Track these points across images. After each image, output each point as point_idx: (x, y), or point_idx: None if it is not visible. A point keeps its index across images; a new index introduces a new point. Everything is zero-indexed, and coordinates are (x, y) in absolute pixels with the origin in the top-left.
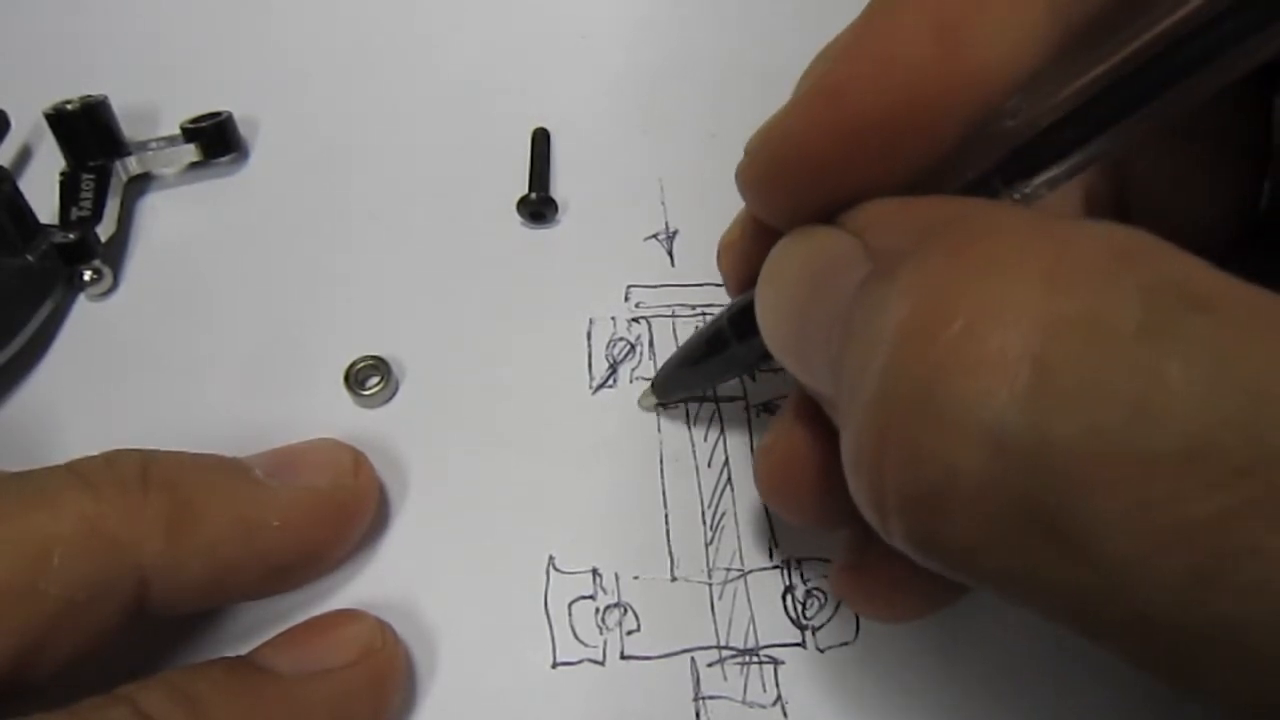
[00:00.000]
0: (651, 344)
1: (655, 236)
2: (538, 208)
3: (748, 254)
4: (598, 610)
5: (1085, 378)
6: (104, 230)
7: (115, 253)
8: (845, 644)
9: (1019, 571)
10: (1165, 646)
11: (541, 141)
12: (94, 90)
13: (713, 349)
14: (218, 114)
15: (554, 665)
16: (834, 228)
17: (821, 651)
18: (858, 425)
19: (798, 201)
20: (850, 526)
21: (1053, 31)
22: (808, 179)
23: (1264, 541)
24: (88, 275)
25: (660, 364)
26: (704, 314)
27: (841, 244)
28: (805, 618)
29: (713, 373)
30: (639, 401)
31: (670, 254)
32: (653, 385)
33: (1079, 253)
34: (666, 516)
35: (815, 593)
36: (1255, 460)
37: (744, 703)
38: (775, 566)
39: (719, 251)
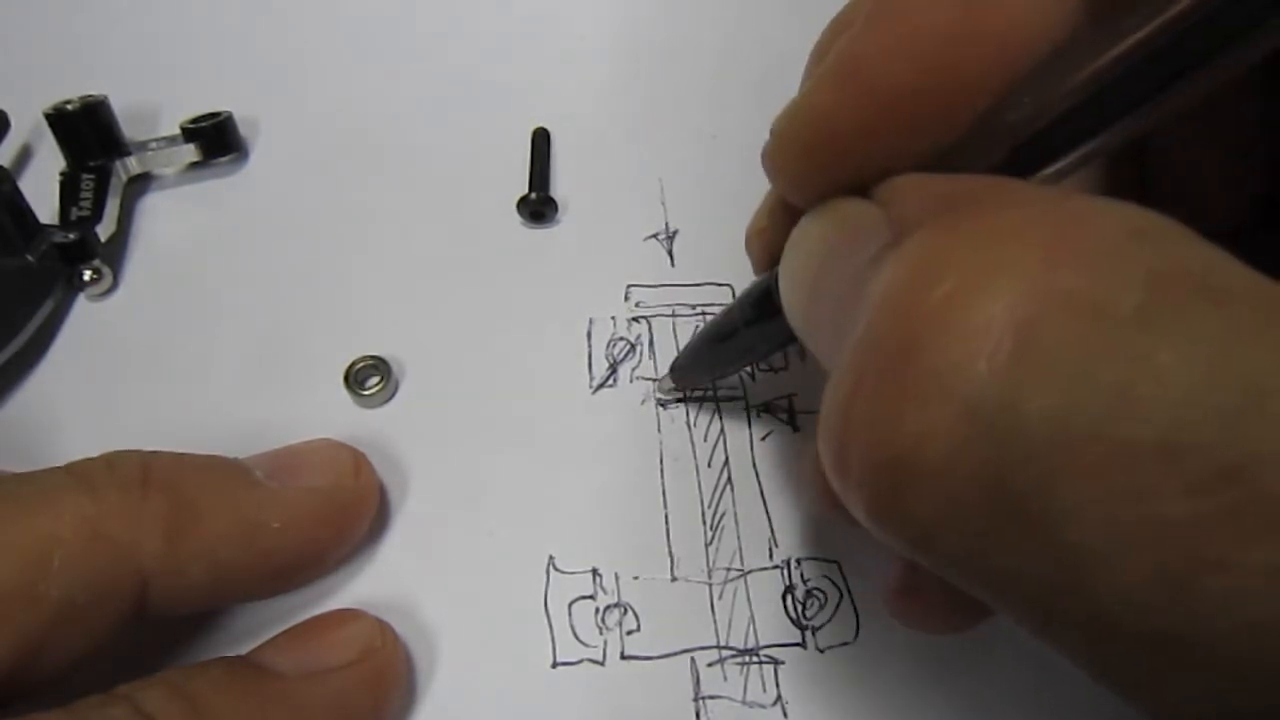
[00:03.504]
0: (651, 344)
1: (655, 236)
2: (538, 208)
3: (776, 241)
4: (598, 610)
5: (1069, 355)
6: (104, 230)
7: (115, 253)
8: (845, 644)
9: (978, 556)
10: (1122, 653)
11: (541, 141)
12: (94, 90)
13: (734, 332)
14: (218, 114)
15: (554, 665)
16: (859, 199)
17: (821, 651)
18: (832, 386)
19: (825, 180)
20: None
21: None
22: (836, 156)
23: (1236, 554)
24: (88, 275)
25: (660, 364)
26: (704, 313)
27: (864, 213)
28: (805, 618)
29: (734, 356)
30: (657, 387)
31: (670, 254)
32: (671, 370)
33: (1089, 230)
34: (666, 516)
35: (815, 593)
36: (1239, 463)
37: (744, 703)
38: (775, 566)
39: (747, 239)
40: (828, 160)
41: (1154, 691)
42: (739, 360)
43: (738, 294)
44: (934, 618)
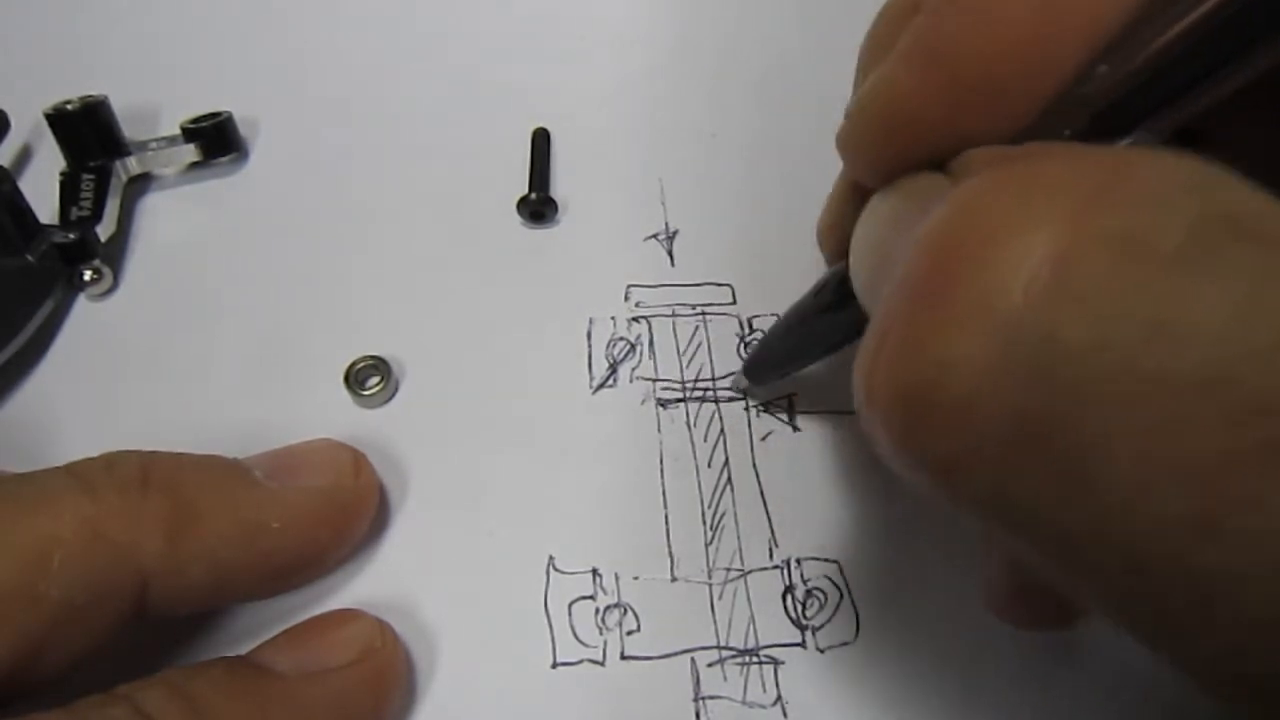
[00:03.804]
0: (651, 344)
1: (655, 236)
2: (538, 208)
3: (848, 232)
4: (598, 610)
5: (1108, 288)
6: (104, 230)
7: (115, 253)
8: (845, 644)
9: (1003, 491)
10: (1150, 595)
11: (541, 141)
12: (94, 90)
13: (806, 321)
14: (218, 114)
15: (554, 665)
16: (932, 173)
17: (821, 651)
18: (869, 326)
19: (902, 160)
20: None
21: None
22: (915, 137)
23: (1271, 492)
24: (88, 275)
25: (660, 364)
26: (704, 313)
27: (934, 184)
28: (805, 618)
29: (807, 347)
30: (733, 385)
31: (670, 254)
32: (744, 372)
33: (1137, 176)
34: (666, 516)
35: (815, 593)
36: (1277, 400)
37: (744, 703)
38: (775, 566)
39: (819, 233)
40: (907, 141)
41: (1180, 636)
42: (811, 352)
43: (808, 291)
44: (1045, 619)
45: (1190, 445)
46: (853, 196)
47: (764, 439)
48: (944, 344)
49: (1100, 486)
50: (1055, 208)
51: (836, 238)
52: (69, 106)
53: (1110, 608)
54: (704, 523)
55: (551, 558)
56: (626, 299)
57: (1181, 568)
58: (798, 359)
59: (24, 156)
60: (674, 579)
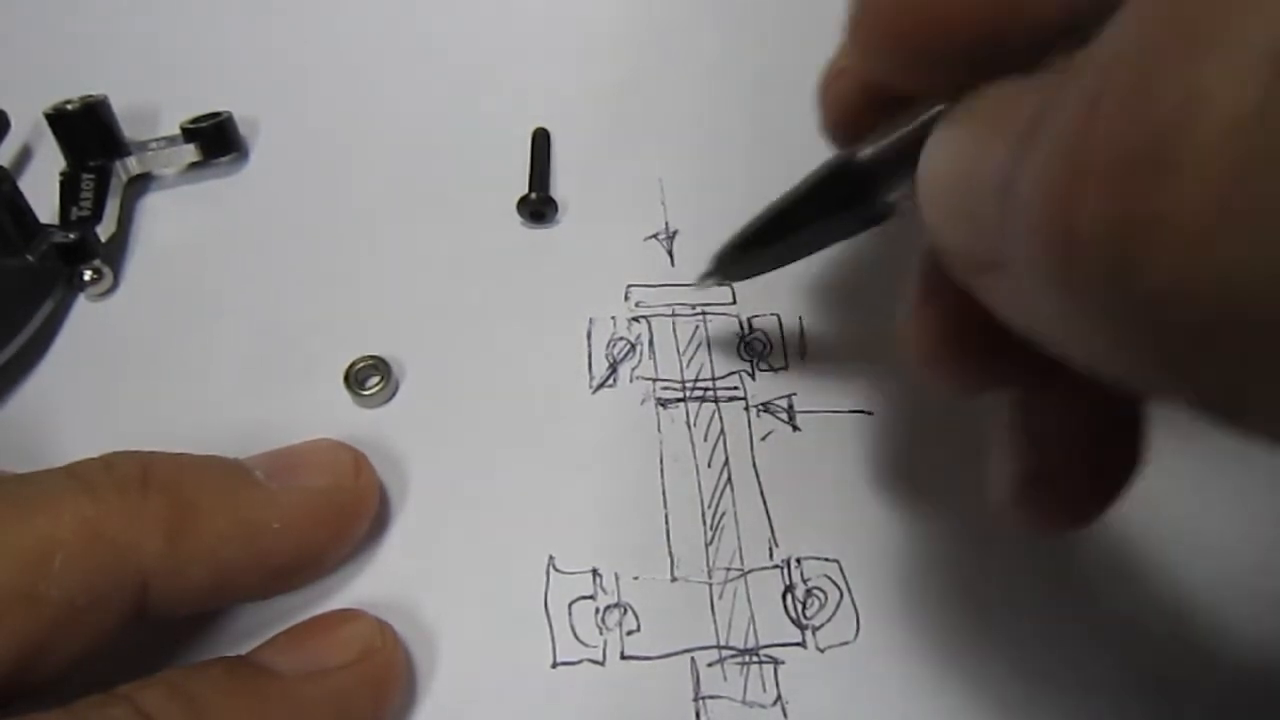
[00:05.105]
0: (651, 343)
1: (655, 236)
2: (538, 208)
3: (855, 104)
4: (598, 610)
5: None
6: (104, 230)
7: (115, 253)
8: (845, 644)
9: (1273, 263)
10: None
11: (541, 141)
12: (94, 90)
13: (790, 225)
14: (218, 114)
15: (554, 665)
16: (1019, 78)
17: (821, 651)
18: (1054, 126)
19: (932, 54)
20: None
21: None
22: (952, 22)
23: None
24: (88, 275)
25: (660, 364)
26: (704, 313)
27: (1029, 85)
28: (805, 618)
29: (796, 249)
30: (697, 282)
31: (670, 254)
32: (715, 263)
33: None
34: (666, 516)
35: (815, 593)
36: None
37: (744, 703)
38: (775, 566)
39: (823, 83)
40: (939, 29)
41: None
42: (798, 254)
43: (806, 177)
44: (1061, 511)
45: None
46: (860, 84)
47: (764, 439)
48: (1189, 78)
49: None
50: None
51: (841, 89)
52: (69, 106)
53: None
54: (704, 522)
55: (551, 558)
56: (626, 299)
57: None
58: (780, 259)
59: (24, 156)
60: (674, 579)
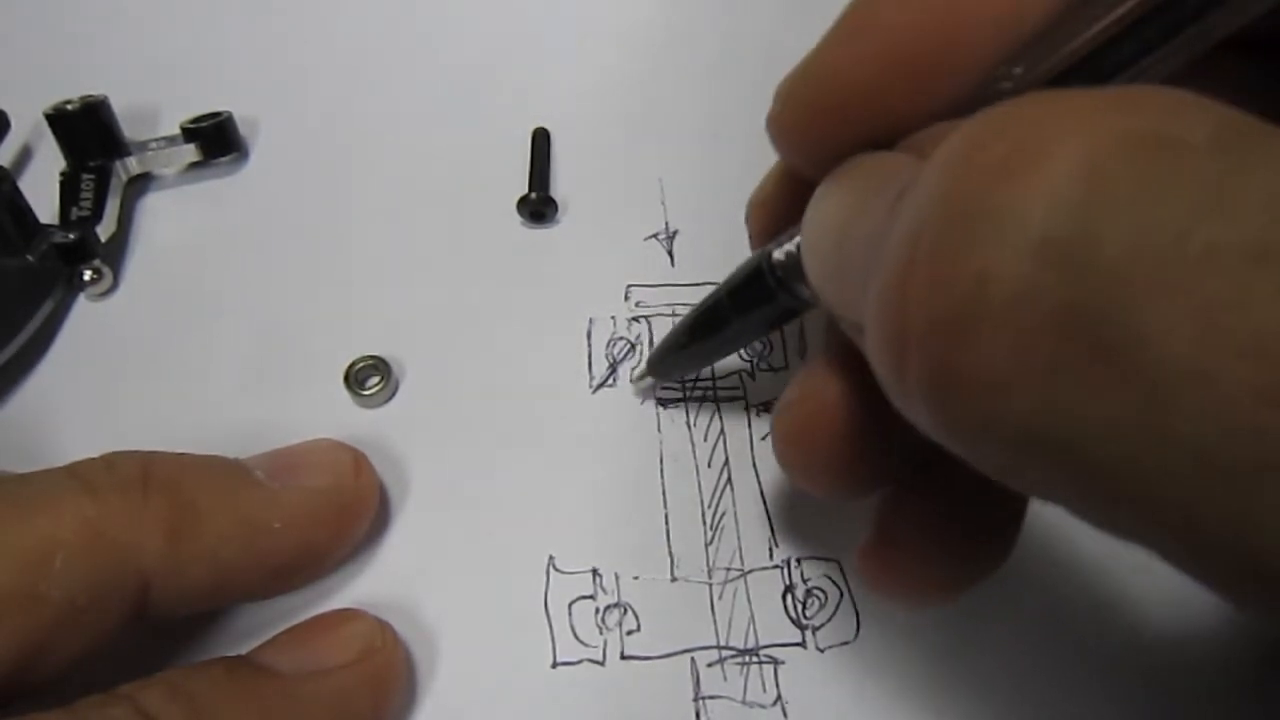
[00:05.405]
0: (651, 344)
1: (655, 236)
2: (538, 208)
3: (778, 212)
4: (598, 610)
5: (1146, 180)
6: (104, 230)
7: (115, 253)
8: (845, 644)
9: (1054, 409)
10: (1220, 490)
11: (541, 141)
12: (94, 90)
13: (723, 323)
14: (218, 114)
15: (554, 665)
16: (886, 152)
17: (821, 651)
18: (885, 263)
19: (834, 143)
20: (880, 485)
21: None
22: (846, 116)
23: None
24: (88, 275)
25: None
26: None
27: (896, 158)
28: (805, 618)
29: (720, 347)
30: (633, 384)
31: (670, 254)
32: (647, 365)
33: (1145, 94)
34: (666, 516)
35: (815, 593)
36: None
37: (744, 703)
38: (775, 566)
39: (749, 209)
40: (838, 121)
41: (1255, 533)
42: (724, 351)
43: (721, 284)
44: (908, 580)
45: (1248, 319)
46: (787, 178)
47: (764, 439)
48: (979, 259)
49: (1160, 375)
50: (1079, 118)
51: (766, 214)
52: (69, 106)
53: (1171, 514)
54: (704, 522)
55: (551, 558)
56: (626, 299)
57: (1254, 454)
58: (708, 358)
59: (24, 156)
60: (674, 579)
